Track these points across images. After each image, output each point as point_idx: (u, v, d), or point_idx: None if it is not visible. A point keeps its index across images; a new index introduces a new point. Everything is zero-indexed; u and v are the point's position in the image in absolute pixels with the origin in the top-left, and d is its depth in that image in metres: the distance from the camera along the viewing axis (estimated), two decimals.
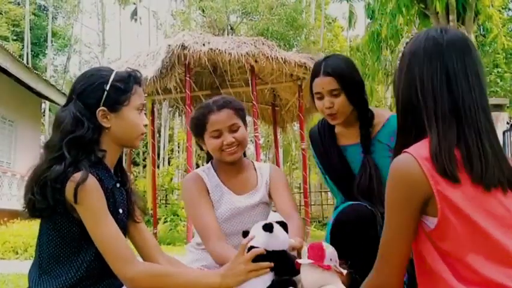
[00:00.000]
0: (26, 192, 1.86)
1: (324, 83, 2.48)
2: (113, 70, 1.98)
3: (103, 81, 1.92)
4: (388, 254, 1.56)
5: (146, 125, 2.02)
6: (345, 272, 1.89)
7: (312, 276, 1.84)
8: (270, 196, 2.58)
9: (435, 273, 1.45)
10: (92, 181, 1.79)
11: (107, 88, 1.90)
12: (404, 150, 1.50)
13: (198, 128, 2.50)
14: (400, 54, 1.65)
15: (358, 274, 2.26)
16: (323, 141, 2.62)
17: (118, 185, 2.00)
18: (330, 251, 1.91)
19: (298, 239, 2.06)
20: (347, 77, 2.47)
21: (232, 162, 2.51)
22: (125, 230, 1.99)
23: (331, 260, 1.88)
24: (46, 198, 1.78)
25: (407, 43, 1.66)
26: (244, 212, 2.52)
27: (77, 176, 1.76)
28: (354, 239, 2.20)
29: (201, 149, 2.63)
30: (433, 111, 1.50)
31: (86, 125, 1.84)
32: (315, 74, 2.53)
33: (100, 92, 1.90)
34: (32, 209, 1.83)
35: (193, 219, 2.48)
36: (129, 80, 1.96)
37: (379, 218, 2.25)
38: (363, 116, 2.54)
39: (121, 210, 1.98)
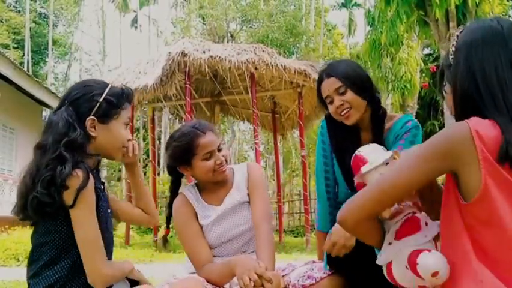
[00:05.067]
0: (25, 193, 1.93)
1: (328, 84, 2.50)
2: (108, 84, 2.09)
3: (97, 93, 2.03)
4: (387, 194, 1.52)
5: (129, 140, 2.14)
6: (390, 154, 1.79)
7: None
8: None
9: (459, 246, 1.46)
10: (91, 185, 1.89)
11: (100, 100, 2.01)
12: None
13: (186, 154, 2.48)
14: (452, 48, 1.60)
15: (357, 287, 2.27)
16: (340, 130, 2.60)
17: (102, 187, 2.11)
18: (364, 156, 1.84)
19: (262, 265, 2.16)
20: (348, 74, 2.48)
21: (221, 180, 2.57)
22: (112, 226, 2.13)
23: (371, 163, 1.79)
24: (51, 194, 1.84)
25: (457, 36, 1.61)
26: (226, 216, 2.57)
27: (80, 175, 1.85)
28: (352, 255, 2.18)
29: (178, 177, 2.65)
30: (501, 101, 1.46)
31: (78, 129, 1.94)
32: (319, 80, 2.57)
33: (93, 103, 2.01)
34: (36, 207, 1.88)
35: (183, 246, 2.57)
36: (122, 96, 2.08)
37: None
38: (375, 115, 2.54)
39: (109, 210, 2.10)
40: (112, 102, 2.03)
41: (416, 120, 2.54)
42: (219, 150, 2.52)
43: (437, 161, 1.45)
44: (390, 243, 1.66)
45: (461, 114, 1.53)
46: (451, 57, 1.60)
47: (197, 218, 2.56)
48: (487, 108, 1.46)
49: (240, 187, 2.62)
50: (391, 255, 1.65)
